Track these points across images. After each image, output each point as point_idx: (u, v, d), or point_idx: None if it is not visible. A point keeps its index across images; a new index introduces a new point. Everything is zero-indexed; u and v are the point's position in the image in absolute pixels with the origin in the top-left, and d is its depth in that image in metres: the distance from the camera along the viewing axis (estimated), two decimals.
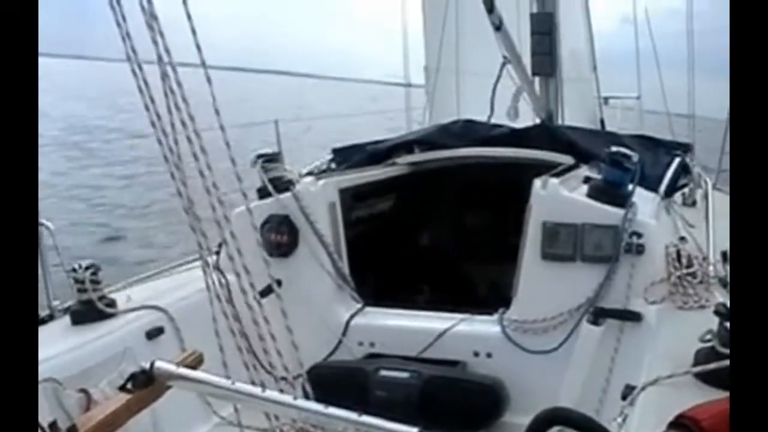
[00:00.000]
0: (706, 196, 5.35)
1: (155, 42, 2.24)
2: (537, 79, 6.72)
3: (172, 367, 1.81)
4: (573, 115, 7.29)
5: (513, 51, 6.15)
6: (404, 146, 5.84)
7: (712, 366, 2.57)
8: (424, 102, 9.01)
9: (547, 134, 5.70)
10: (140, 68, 2.28)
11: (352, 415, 1.59)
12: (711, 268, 3.78)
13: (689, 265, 3.76)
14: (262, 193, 4.40)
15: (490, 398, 3.85)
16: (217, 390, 1.79)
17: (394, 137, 6.24)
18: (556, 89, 6.88)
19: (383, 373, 3.90)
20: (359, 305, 4.38)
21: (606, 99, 9.74)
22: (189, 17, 2.31)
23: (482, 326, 4.12)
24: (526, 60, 6.48)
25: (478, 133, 5.86)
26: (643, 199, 4.25)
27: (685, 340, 2.88)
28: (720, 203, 4.89)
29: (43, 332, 3.57)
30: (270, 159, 4.48)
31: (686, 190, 5.47)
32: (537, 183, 4.05)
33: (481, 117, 6.43)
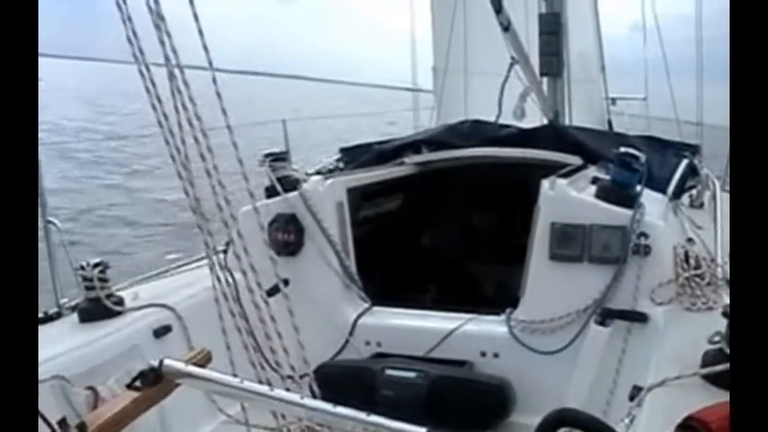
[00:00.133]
0: (714, 198, 5.33)
1: (162, 42, 2.25)
2: (545, 80, 6.72)
3: (181, 365, 1.81)
4: (581, 116, 7.29)
5: (521, 51, 6.16)
6: (412, 146, 5.84)
7: (720, 368, 2.56)
8: (432, 103, 9.00)
9: (555, 135, 5.69)
10: (147, 69, 2.29)
11: (361, 415, 1.59)
12: (719, 269, 3.76)
13: (697, 267, 3.75)
14: (270, 192, 4.40)
15: (497, 398, 3.85)
16: (225, 389, 1.79)
17: (402, 137, 6.24)
18: (563, 90, 6.88)
19: (390, 372, 3.90)
20: (366, 305, 4.38)
21: (613, 100, 9.72)
22: (196, 18, 2.32)
23: (489, 326, 4.12)
24: (534, 60, 6.48)
25: (485, 133, 5.85)
26: (651, 200, 4.24)
27: (693, 341, 2.88)
28: (728, 205, 4.87)
29: (51, 330, 3.58)
30: (278, 158, 4.48)
31: (694, 191, 5.45)
32: (545, 183, 4.04)
33: (489, 117, 6.43)
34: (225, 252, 3.28)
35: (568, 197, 4.01)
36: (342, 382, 3.80)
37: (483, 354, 4.06)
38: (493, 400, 3.85)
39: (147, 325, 3.72)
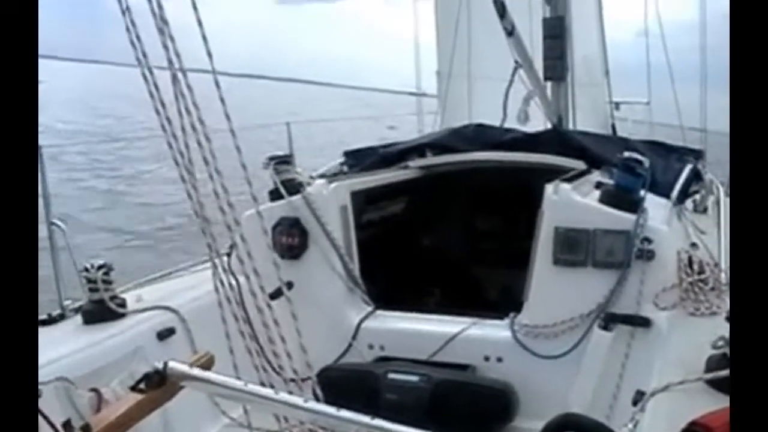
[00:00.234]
0: (717, 203, 5.33)
1: (166, 47, 2.26)
2: (548, 84, 6.72)
3: (185, 368, 1.81)
4: (584, 120, 7.29)
5: (525, 56, 6.16)
6: (416, 150, 5.84)
7: (724, 373, 2.56)
8: (435, 107, 9.00)
9: (559, 139, 5.69)
10: (151, 72, 2.29)
11: (365, 418, 1.59)
12: (722, 274, 3.76)
13: (701, 272, 3.75)
14: (274, 196, 4.41)
15: (500, 402, 3.85)
16: (230, 392, 1.79)
17: (406, 141, 6.25)
18: (567, 94, 6.88)
19: (393, 376, 3.90)
20: (370, 308, 4.38)
21: (617, 104, 9.72)
22: (200, 24, 2.33)
23: (493, 330, 4.12)
24: (538, 65, 6.49)
25: (489, 137, 5.85)
26: (655, 205, 4.24)
27: (697, 346, 2.88)
28: None
29: (55, 331, 3.59)
30: (282, 161, 4.49)
31: (698, 196, 5.45)
32: (549, 188, 4.04)
33: (493, 121, 6.43)
34: (229, 255, 3.29)
35: (572, 202, 4.01)
36: (345, 385, 3.80)
37: (486, 358, 4.06)
38: (496, 404, 3.85)
39: (150, 328, 3.72)
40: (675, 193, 4.83)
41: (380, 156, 5.81)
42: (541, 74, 6.55)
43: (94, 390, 3.09)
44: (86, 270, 3.69)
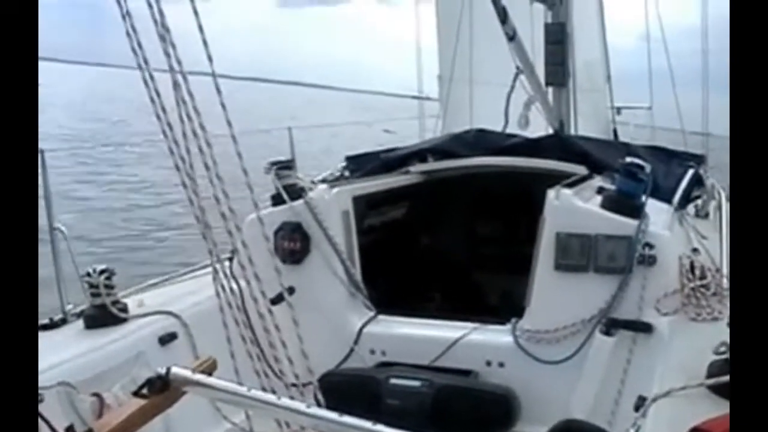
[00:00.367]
0: (719, 208, 5.33)
1: (167, 54, 2.26)
2: (550, 89, 6.73)
3: (188, 374, 1.82)
4: (586, 125, 7.30)
5: (526, 61, 6.17)
6: (418, 155, 5.85)
7: (726, 378, 2.56)
8: (437, 111, 9.01)
9: (561, 144, 5.70)
10: (152, 78, 2.30)
11: (366, 424, 1.59)
12: (724, 280, 3.76)
13: (702, 277, 3.74)
14: (276, 201, 4.42)
15: (502, 408, 3.85)
16: (232, 397, 1.80)
17: (408, 146, 6.25)
18: (569, 99, 6.89)
19: (395, 381, 3.90)
20: (371, 313, 4.38)
21: (619, 109, 9.73)
22: (201, 30, 2.33)
23: (495, 336, 4.12)
24: (540, 70, 6.50)
25: (491, 142, 5.86)
26: (657, 210, 4.24)
27: (698, 352, 2.88)
28: None
29: (57, 336, 3.59)
30: (284, 166, 4.49)
31: (699, 201, 5.45)
32: (551, 193, 4.04)
33: (494, 126, 6.44)
34: (230, 260, 3.29)
35: (574, 207, 4.01)
36: (347, 390, 3.80)
37: (488, 363, 4.06)
38: (498, 409, 3.85)
39: (152, 333, 3.72)
40: (676, 198, 4.84)
41: (382, 161, 5.82)
42: (542, 80, 6.56)
43: (96, 395, 3.09)
44: (88, 275, 3.69)
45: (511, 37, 5.87)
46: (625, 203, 3.98)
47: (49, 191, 3.83)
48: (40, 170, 3.68)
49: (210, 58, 2.40)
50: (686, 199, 5.06)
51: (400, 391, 3.86)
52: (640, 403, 2.79)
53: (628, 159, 4.13)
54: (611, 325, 3.79)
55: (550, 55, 6.63)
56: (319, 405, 2.29)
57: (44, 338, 3.41)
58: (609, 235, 3.88)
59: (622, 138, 8.97)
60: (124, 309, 3.76)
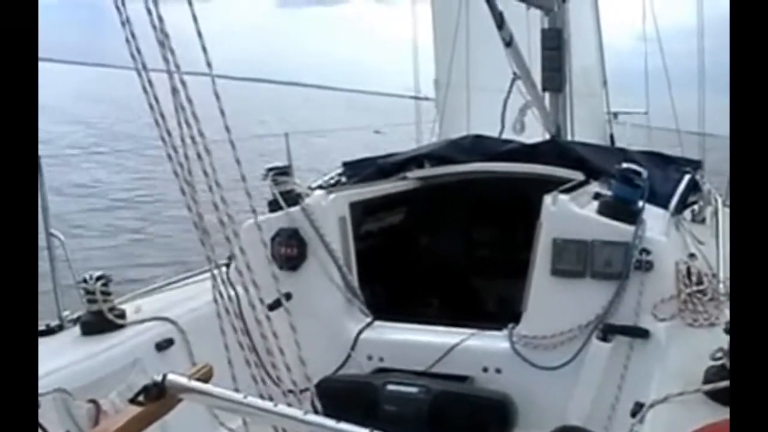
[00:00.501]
0: (716, 213, 5.33)
1: (166, 59, 2.26)
2: (547, 95, 6.74)
3: (184, 380, 1.81)
4: (582, 131, 7.31)
5: (523, 67, 6.18)
6: (414, 161, 5.84)
7: (723, 384, 2.56)
8: (435, 111, 9.02)
9: (557, 150, 5.70)
10: (151, 84, 2.30)
11: (364, 431, 1.59)
12: (721, 285, 3.76)
13: (699, 282, 3.75)
14: (273, 207, 4.41)
15: (498, 414, 3.84)
16: (229, 404, 1.79)
17: (404, 151, 6.26)
18: (565, 104, 6.90)
19: (392, 387, 3.90)
20: (368, 319, 4.38)
21: (615, 114, 9.74)
22: (200, 35, 2.33)
23: (491, 341, 4.11)
24: (536, 76, 6.51)
25: (488, 148, 5.86)
26: (653, 216, 4.24)
27: (695, 357, 2.88)
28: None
29: (53, 342, 3.58)
30: (281, 172, 4.49)
31: (696, 206, 5.46)
32: (547, 199, 4.05)
33: (491, 132, 6.44)
34: (227, 266, 3.29)
35: (571, 213, 4.01)
36: (344, 397, 3.79)
37: (485, 369, 4.06)
38: (494, 415, 3.84)
39: (149, 339, 3.72)
40: (673, 203, 4.84)
41: (378, 167, 5.81)
42: (539, 85, 6.57)
43: (93, 401, 3.09)
44: (84, 281, 3.69)
45: (508, 42, 5.89)
46: (621, 209, 3.98)
47: (45, 197, 3.83)
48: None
49: (209, 64, 2.40)
50: (683, 205, 5.07)
51: (398, 397, 3.85)
52: (637, 409, 2.79)
53: (625, 165, 4.13)
54: (608, 331, 3.79)
55: (547, 61, 6.64)
56: (316, 411, 2.28)
57: (41, 344, 3.38)
58: (606, 241, 3.88)
59: (619, 139, 9.01)
60: (121, 315, 3.76)
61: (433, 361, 4.06)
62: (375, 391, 3.90)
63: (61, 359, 3.28)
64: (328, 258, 4.35)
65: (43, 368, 2.95)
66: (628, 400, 3.30)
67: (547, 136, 6.66)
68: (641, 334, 3.70)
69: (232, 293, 2.52)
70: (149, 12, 2.21)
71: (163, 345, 3.74)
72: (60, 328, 3.74)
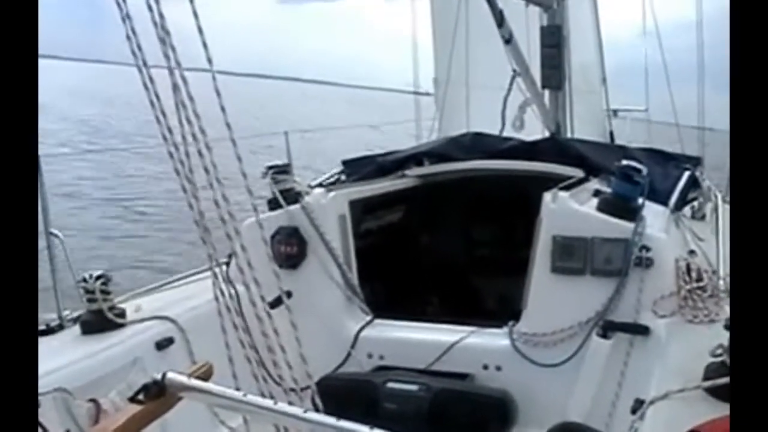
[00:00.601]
0: (715, 210, 5.33)
1: (167, 56, 2.26)
2: (546, 92, 6.74)
3: (184, 379, 1.81)
4: (582, 128, 7.30)
5: (523, 64, 6.18)
6: (414, 158, 5.84)
7: (723, 381, 2.56)
8: (434, 113, 9.01)
9: (557, 147, 5.69)
10: (152, 81, 2.30)
11: (363, 428, 1.58)
12: (721, 282, 3.77)
13: (699, 279, 3.75)
14: (272, 205, 4.41)
15: (499, 411, 3.85)
16: (229, 402, 1.79)
17: (404, 149, 6.26)
18: (565, 102, 6.90)
19: (392, 385, 3.90)
20: (368, 317, 4.38)
21: (615, 111, 9.74)
22: (200, 31, 2.33)
23: (491, 339, 4.12)
24: (536, 73, 6.51)
25: (487, 145, 5.86)
26: (653, 213, 4.24)
27: (695, 354, 2.88)
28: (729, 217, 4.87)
29: (53, 342, 3.58)
30: (280, 170, 4.49)
31: (696, 203, 5.46)
32: (547, 196, 4.05)
33: (490, 129, 6.44)
34: (227, 264, 3.28)
35: (570, 210, 4.01)
36: (344, 395, 3.80)
37: (485, 367, 4.06)
38: (495, 413, 3.85)
39: (149, 338, 3.72)
40: (673, 200, 4.84)
41: (378, 165, 5.81)
42: (538, 82, 6.56)
43: (93, 401, 3.08)
44: (84, 280, 3.69)
45: (508, 40, 5.88)
46: (621, 206, 3.98)
47: (45, 196, 3.82)
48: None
49: (209, 60, 2.40)
50: (682, 202, 5.06)
51: (398, 395, 3.86)
52: (637, 406, 2.79)
53: (625, 162, 4.13)
54: (608, 328, 3.79)
55: (546, 58, 6.63)
56: (316, 409, 2.28)
57: (41, 344, 3.39)
58: (605, 238, 3.88)
59: (619, 135, 9.00)
60: (121, 314, 3.76)
61: (433, 359, 4.07)
62: (375, 389, 3.90)
63: (61, 358, 3.28)
64: (327, 256, 4.35)
65: (43, 368, 2.94)
66: (628, 396, 3.30)
67: (547, 134, 6.66)
68: (641, 330, 3.70)
69: (233, 291, 2.52)
70: (150, 9, 2.21)
71: (163, 344, 3.74)
72: (60, 327, 3.74)
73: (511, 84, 6.54)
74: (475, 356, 4.08)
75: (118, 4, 2.22)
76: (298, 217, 4.35)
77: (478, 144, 5.90)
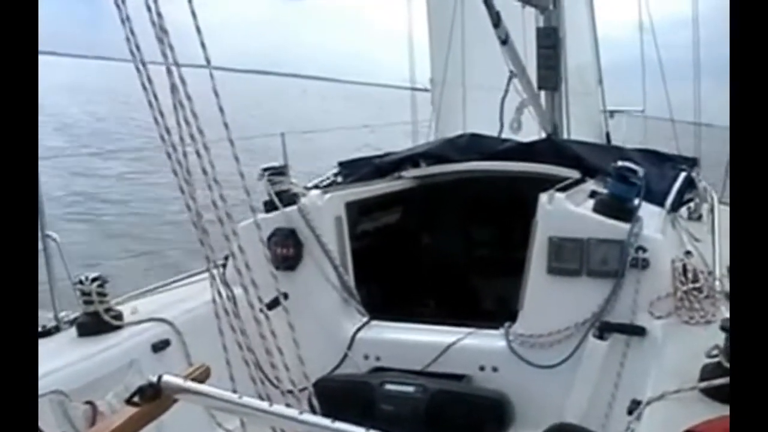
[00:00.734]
0: (712, 210, 5.34)
1: (165, 55, 2.26)
2: (542, 93, 6.74)
3: (179, 381, 1.81)
4: (578, 129, 7.30)
5: (519, 65, 6.18)
6: (410, 160, 5.84)
7: (719, 381, 2.56)
8: (430, 114, 9.00)
9: (554, 148, 5.69)
10: (150, 81, 2.29)
11: (360, 430, 1.58)
12: (717, 282, 3.76)
13: (695, 280, 3.74)
14: (269, 207, 4.41)
15: (495, 413, 3.85)
16: (225, 404, 1.79)
17: (400, 151, 6.26)
18: (561, 103, 6.89)
19: (389, 387, 3.90)
20: (365, 318, 4.38)
21: (611, 112, 9.74)
22: (198, 31, 2.32)
23: (488, 340, 4.12)
24: (532, 74, 6.51)
25: (484, 147, 5.86)
26: (649, 214, 4.24)
27: (692, 355, 2.88)
28: (726, 217, 4.88)
29: (50, 344, 3.57)
30: (277, 172, 4.49)
31: (692, 204, 5.46)
32: (543, 197, 4.05)
33: (487, 131, 6.44)
34: (224, 266, 3.28)
35: (566, 211, 4.02)
36: (341, 396, 3.80)
37: (482, 368, 4.06)
38: (491, 414, 3.85)
39: (146, 340, 3.71)
40: (669, 201, 4.84)
41: (374, 166, 5.81)
42: (535, 83, 6.56)
43: (89, 403, 3.08)
44: (80, 282, 3.68)
45: (504, 40, 5.88)
46: (617, 207, 3.98)
47: (41, 197, 3.82)
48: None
49: (208, 60, 2.39)
50: (679, 202, 5.06)
51: (394, 397, 3.86)
52: (634, 407, 2.79)
53: (621, 163, 4.13)
54: (604, 329, 3.79)
55: (543, 59, 6.62)
56: (313, 411, 2.28)
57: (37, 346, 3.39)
58: (602, 239, 3.89)
59: (616, 132, 9.01)
60: (117, 316, 3.75)
61: (429, 361, 4.07)
62: (372, 391, 3.90)
63: (57, 361, 3.27)
64: (324, 258, 4.35)
65: (39, 370, 2.94)
66: (624, 397, 3.30)
67: (544, 135, 6.66)
68: (638, 331, 3.70)
69: (230, 293, 2.52)
70: (149, 9, 2.21)
71: (160, 346, 3.74)
72: (56, 329, 3.74)
73: (508, 85, 6.54)
74: (471, 357, 4.08)
75: (117, 6, 2.22)
76: (294, 219, 4.35)
77: (474, 145, 5.90)
